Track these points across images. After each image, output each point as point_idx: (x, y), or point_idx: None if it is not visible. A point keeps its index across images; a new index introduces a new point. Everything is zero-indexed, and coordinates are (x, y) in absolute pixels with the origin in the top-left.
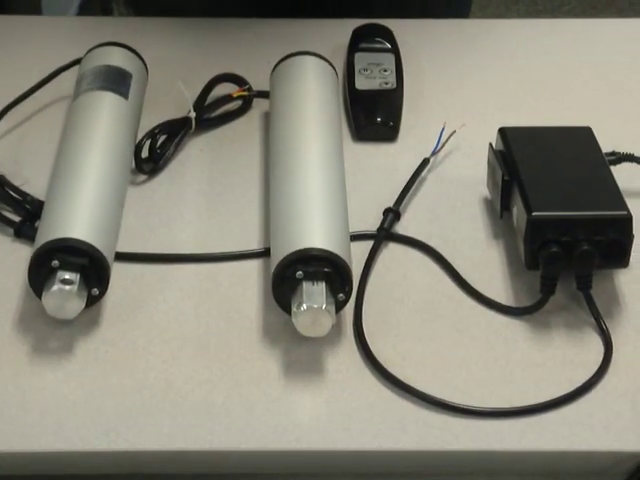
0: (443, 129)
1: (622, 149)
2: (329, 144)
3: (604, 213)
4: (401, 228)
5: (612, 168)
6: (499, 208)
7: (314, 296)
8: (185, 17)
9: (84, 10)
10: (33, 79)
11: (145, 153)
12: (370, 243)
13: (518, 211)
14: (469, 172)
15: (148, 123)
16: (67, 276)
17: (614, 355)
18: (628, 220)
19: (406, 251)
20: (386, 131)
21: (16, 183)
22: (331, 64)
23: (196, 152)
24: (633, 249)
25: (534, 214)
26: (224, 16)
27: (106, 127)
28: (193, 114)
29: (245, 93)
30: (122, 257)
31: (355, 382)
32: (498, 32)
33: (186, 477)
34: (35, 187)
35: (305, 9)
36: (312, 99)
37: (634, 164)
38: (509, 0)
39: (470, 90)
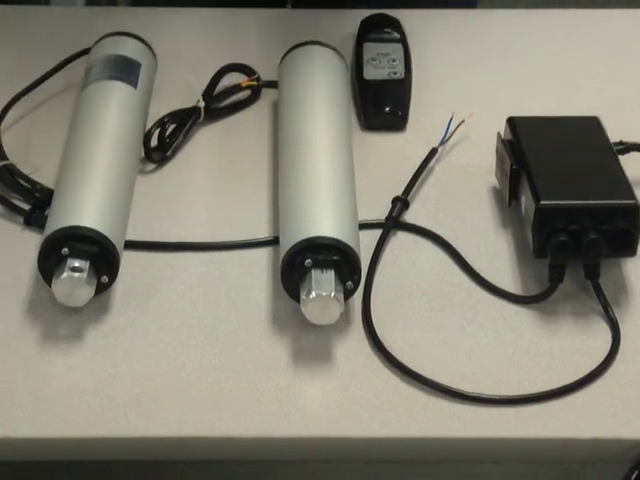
0: (451, 119)
1: (630, 139)
2: (338, 133)
3: (612, 202)
4: (409, 217)
5: (620, 157)
6: (507, 197)
7: (323, 284)
8: (183, 7)
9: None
10: (42, 69)
11: (154, 142)
12: (379, 232)
13: (526, 200)
14: (477, 161)
15: (157, 112)
16: (77, 264)
17: (622, 343)
18: (636, 209)
19: (414, 240)
20: (394, 121)
21: (26, 172)
22: (340, 54)
23: (205, 141)
24: None
25: (542, 203)
26: (218, 6)
27: (115, 116)
28: (202, 103)
29: (254, 83)
30: (131, 245)
31: (364, 370)
32: (507, 22)
33: (195, 463)
34: (45, 176)
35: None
36: (321, 89)
37: None
38: None
39: (478, 80)
